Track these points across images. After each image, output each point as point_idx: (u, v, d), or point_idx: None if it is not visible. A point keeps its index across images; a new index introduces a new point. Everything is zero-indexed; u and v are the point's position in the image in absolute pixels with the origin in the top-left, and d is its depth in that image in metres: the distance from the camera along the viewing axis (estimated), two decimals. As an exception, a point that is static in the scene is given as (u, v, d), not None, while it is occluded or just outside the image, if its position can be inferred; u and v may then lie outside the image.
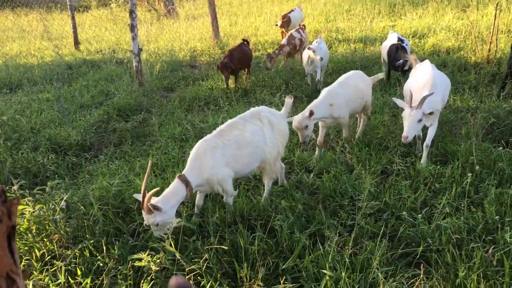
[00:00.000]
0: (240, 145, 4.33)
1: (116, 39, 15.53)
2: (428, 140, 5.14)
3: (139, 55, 9.57)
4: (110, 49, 14.00)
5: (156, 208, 3.77)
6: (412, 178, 4.87)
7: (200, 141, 4.34)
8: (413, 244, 3.84)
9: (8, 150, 6.27)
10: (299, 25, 10.71)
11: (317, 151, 5.75)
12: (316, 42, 8.51)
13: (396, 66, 7.79)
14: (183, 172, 4.15)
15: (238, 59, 8.73)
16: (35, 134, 7.00)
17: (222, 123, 6.64)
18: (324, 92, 5.68)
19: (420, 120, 4.73)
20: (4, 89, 10.18)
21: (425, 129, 5.36)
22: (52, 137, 6.77)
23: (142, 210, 3.86)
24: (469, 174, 4.28)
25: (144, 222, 3.93)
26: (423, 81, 5.23)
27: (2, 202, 0.56)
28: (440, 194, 4.40)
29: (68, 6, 14.50)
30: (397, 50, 7.87)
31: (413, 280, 3.23)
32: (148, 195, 3.77)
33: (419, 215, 4.00)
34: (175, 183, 4.05)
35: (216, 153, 4.20)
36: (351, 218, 4.20)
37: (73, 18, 14.30)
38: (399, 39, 8.12)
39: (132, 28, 9.43)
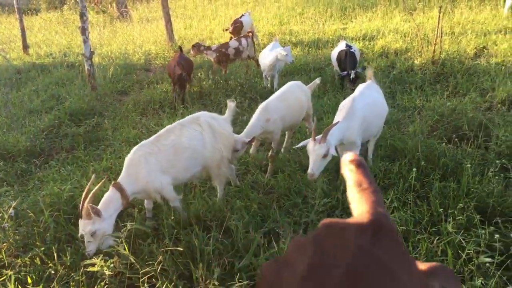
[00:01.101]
0: (177, 150, 4.28)
1: (67, 42, 15.16)
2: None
3: (91, 58, 9.38)
4: (61, 52, 13.65)
5: (96, 212, 3.70)
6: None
7: (135, 147, 4.26)
8: (364, 238, 3.97)
9: (-48, 158, 6.01)
10: (247, 32, 10.64)
11: (269, 167, 5.44)
12: (274, 45, 8.66)
13: (342, 77, 8.00)
14: (118, 180, 4.09)
15: (187, 69, 8.40)
16: (-19, 141, 6.74)
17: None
18: (260, 107, 5.44)
19: (325, 155, 4.23)
20: None
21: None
22: (-1, 143, 6.56)
23: (80, 219, 3.77)
24: (414, 169, 4.47)
25: (80, 232, 3.79)
26: (343, 105, 4.88)
27: None
28: (389, 189, 4.56)
29: (16, 9, 14.04)
30: (346, 55, 8.01)
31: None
32: (88, 198, 3.70)
33: (369, 210, 4.14)
34: (110, 191, 3.97)
35: (151, 160, 4.14)
36: (305, 215, 4.30)
37: (21, 21, 13.83)
38: (347, 45, 8.28)
39: (83, 31, 9.23)
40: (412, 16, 12.37)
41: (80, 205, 3.77)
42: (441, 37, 9.05)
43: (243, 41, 9.75)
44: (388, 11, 14.40)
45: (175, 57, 8.71)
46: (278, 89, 7.52)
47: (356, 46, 8.85)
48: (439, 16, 8.75)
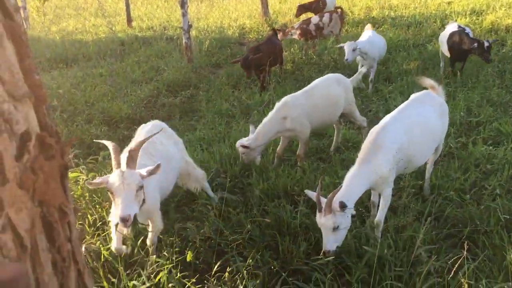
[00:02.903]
0: (167, 161, 3.72)
1: (167, 16, 15.78)
2: (380, 216, 3.67)
3: (189, 31, 9.69)
4: (161, 26, 14.26)
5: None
6: (463, 159, 4.72)
7: None
8: (460, 225, 3.76)
9: (64, 121, 6.58)
10: (335, 8, 10.26)
11: (275, 161, 5.13)
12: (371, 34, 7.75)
13: (472, 49, 6.88)
14: None
15: (268, 53, 7.74)
16: (89, 107, 7.29)
17: (269, 100, 6.73)
18: (279, 103, 4.97)
19: (336, 228, 3.28)
20: (60, 64, 10.62)
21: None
22: (105, 110, 7.05)
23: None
24: (523, 155, 4.11)
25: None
26: (366, 140, 3.75)
27: (56, 142, 0.61)
28: (491, 175, 4.25)
29: (121, -16, 14.85)
30: (460, 35, 7.09)
31: (456, 258, 3.15)
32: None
33: (468, 196, 3.89)
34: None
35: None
36: (397, 197, 4.13)
37: (126, -5, 14.64)
38: (460, 27, 7.37)
39: (183, 4, 9.54)
40: (529, -11, 11.22)
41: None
42: None
43: (325, 17, 9.39)
44: (500, -17, 13.18)
45: (265, 40, 8.46)
46: (372, 90, 7.15)
47: (469, 28, 7.75)
48: (563, -12, 7.83)
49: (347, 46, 7.14)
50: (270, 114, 4.94)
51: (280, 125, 4.84)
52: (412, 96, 4.23)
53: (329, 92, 5.11)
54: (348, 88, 5.30)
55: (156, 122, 4.14)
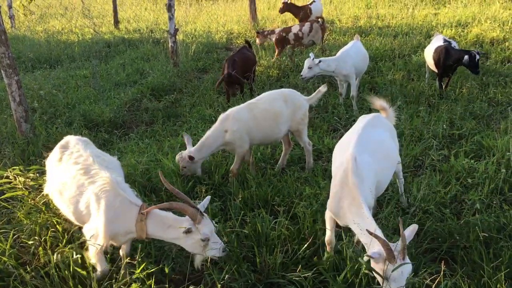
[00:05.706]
0: (118, 168, 3.77)
1: (155, 19, 15.67)
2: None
3: (175, 35, 9.60)
4: (148, 28, 14.14)
5: None
6: (444, 172, 4.71)
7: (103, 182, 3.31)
8: (439, 239, 3.73)
9: (44, 124, 6.44)
10: (316, 17, 10.13)
11: (251, 167, 5.13)
12: (354, 45, 7.30)
13: (461, 61, 6.64)
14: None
15: (241, 66, 7.38)
16: (70, 109, 7.16)
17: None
18: (222, 115, 4.87)
19: None
20: (44, 64, 10.45)
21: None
22: (86, 113, 6.92)
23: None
24: (503, 171, 4.11)
25: None
26: (338, 169, 3.38)
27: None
28: (472, 190, 4.24)
29: (109, -15, 14.72)
30: (447, 50, 6.83)
31: (435, 276, 3.11)
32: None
33: (448, 210, 3.87)
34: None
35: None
36: (380, 212, 4.09)
37: (114, -3, 14.51)
38: (445, 41, 7.15)
39: (169, 8, 9.46)
40: (514, 3, 11.36)
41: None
42: (547, 26, 8.23)
43: (305, 26, 9.38)
44: (486, -3, 13.35)
45: (237, 51, 8.04)
46: (356, 106, 6.76)
47: (455, 42, 7.53)
48: (546, 3, 7.93)
49: (305, 63, 6.73)
50: (214, 126, 4.84)
51: (223, 138, 4.77)
52: (362, 118, 3.92)
53: (272, 108, 4.89)
54: (297, 107, 4.99)
55: (77, 137, 3.98)
